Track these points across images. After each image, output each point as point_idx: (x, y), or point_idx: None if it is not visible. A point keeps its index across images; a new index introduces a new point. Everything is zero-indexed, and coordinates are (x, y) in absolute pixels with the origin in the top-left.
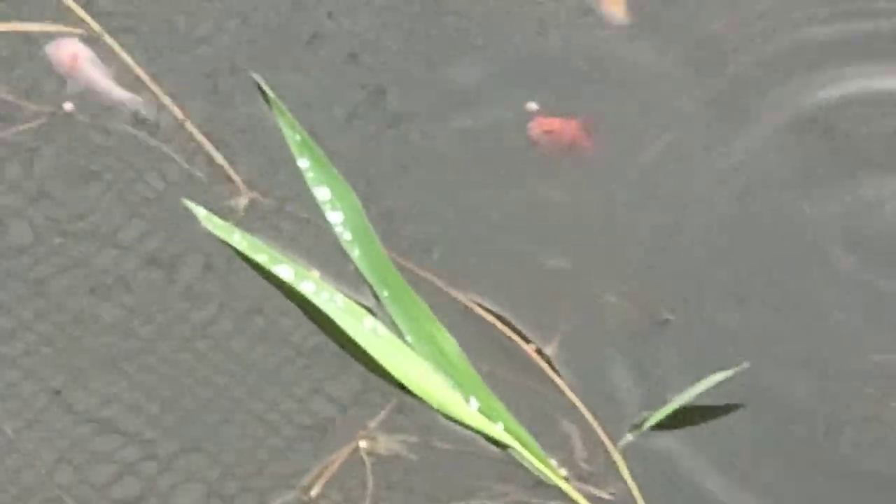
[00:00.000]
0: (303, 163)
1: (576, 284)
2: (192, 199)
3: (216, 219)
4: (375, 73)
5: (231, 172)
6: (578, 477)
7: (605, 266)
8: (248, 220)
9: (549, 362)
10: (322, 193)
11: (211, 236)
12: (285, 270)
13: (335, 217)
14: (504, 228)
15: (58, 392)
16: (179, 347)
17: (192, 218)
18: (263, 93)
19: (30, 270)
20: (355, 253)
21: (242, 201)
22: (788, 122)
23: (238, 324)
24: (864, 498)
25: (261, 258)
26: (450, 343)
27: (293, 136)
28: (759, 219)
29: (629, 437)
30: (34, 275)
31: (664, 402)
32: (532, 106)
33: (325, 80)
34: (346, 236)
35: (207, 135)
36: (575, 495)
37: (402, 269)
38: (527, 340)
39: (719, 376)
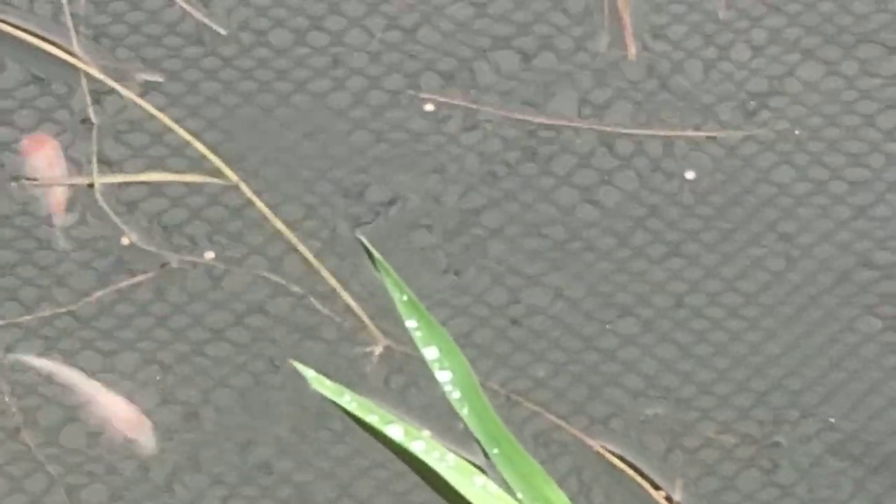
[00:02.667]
0: (411, 323)
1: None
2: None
3: (326, 380)
4: None
5: (366, 320)
6: None
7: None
8: (381, 370)
9: None
10: (430, 353)
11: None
12: (395, 430)
13: (443, 376)
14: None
15: None
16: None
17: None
18: (370, 254)
19: None
20: (464, 411)
21: (377, 349)
22: None
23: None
24: None
25: (371, 419)
26: (561, 500)
27: (400, 297)
28: None
29: None
30: None
31: None
32: None
33: None
34: (454, 395)
35: (342, 282)
36: None
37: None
38: (656, 487)
39: None
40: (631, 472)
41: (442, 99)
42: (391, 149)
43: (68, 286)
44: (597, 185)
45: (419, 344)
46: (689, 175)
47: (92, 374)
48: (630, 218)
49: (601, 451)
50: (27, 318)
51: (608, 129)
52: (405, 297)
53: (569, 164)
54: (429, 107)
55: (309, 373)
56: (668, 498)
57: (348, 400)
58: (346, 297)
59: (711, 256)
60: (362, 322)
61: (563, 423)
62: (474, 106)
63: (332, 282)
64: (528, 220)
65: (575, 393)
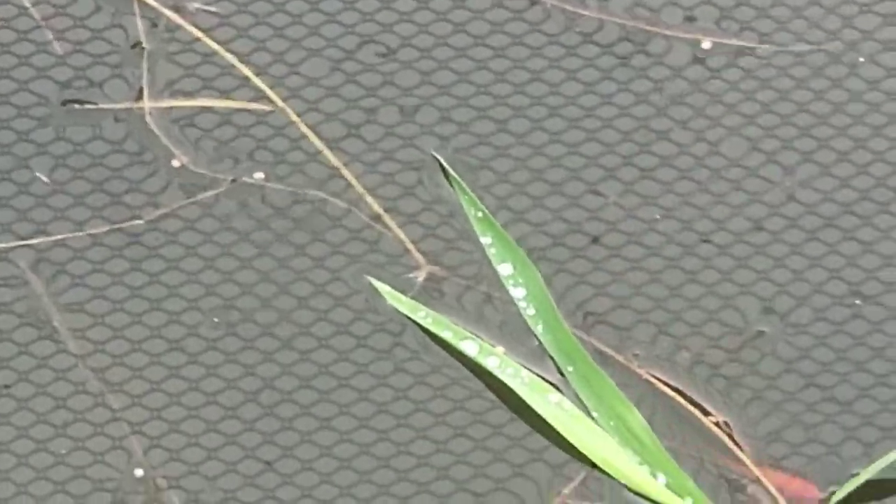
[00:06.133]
0: (485, 239)
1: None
2: (371, 273)
3: (401, 295)
4: None
5: (410, 246)
6: None
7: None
8: (425, 296)
9: (730, 436)
10: (505, 269)
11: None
12: (470, 346)
13: (518, 293)
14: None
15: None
16: (364, 423)
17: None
18: (444, 170)
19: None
20: (539, 328)
21: (421, 275)
22: None
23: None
24: None
25: (446, 334)
26: (636, 418)
27: (475, 213)
28: None
29: None
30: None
31: (846, 475)
32: None
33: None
34: (529, 311)
35: (388, 209)
36: None
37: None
38: (706, 413)
39: None
40: (682, 399)
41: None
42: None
43: (124, 204)
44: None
45: (494, 261)
46: None
47: (138, 288)
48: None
49: (652, 380)
50: (79, 234)
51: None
52: (479, 214)
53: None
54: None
55: (384, 288)
56: (717, 423)
57: (424, 315)
58: (389, 221)
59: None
60: (406, 247)
61: (611, 352)
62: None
63: (376, 206)
64: (603, 138)
65: (626, 320)
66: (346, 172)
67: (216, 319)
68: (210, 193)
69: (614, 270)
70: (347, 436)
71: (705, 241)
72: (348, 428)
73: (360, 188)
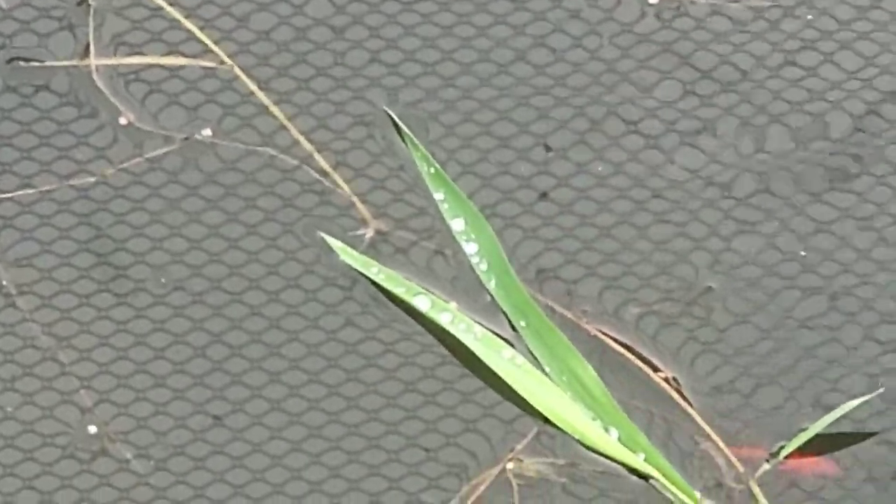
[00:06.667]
0: (438, 195)
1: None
2: (319, 229)
3: (353, 251)
4: None
5: (358, 202)
6: None
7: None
8: (373, 251)
9: (679, 391)
10: (457, 225)
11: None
12: (423, 301)
13: (470, 248)
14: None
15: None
16: (314, 378)
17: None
18: (398, 127)
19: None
20: (491, 283)
21: (370, 231)
22: None
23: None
24: None
25: (399, 290)
26: (588, 373)
27: (427, 169)
28: None
29: (766, 465)
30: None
31: (795, 429)
32: None
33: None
34: (481, 267)
35: (335, 166)
36: None
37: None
38: (655, 369)
39: (855, 402)
40: (631, 355)
41: None
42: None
43: (73, 159)
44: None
45: (446, 216)
46: None
47: (85, 242)
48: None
49: (601, 336)
50: (29, 191)
51: None
52: (432, 170)
53: None
54: None
55: (336, 243)
56: (666, 379)
57: (376, 271)
58: (338, 177)
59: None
60: (354, 202)
61: (560, 309)
62: None
63: (323, 162)
64: (560, 94)
65: (576, 276)
66: (292, 128)
67: (163, 280)
68: (161, 151)
69: (564, 226)
70: (297, 390)
71: (657, 197)
72: (298, 382)
73: (307, 145)
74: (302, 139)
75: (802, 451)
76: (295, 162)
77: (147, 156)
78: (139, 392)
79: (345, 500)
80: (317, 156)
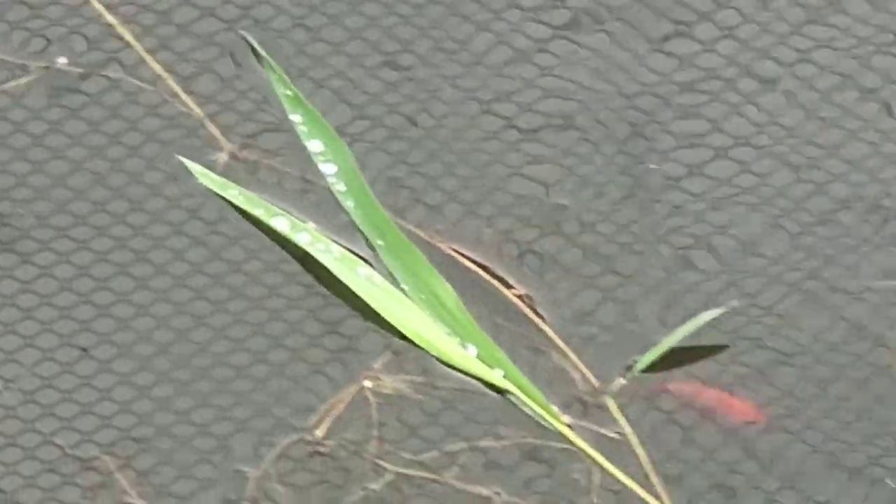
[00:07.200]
0: (295, 117)
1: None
2: (170, 152)
3: (212, 174)
4: None
5: (210, 126)
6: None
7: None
8: (230, 174)
9: (533, 308)
10: (315, 146)
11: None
12: (281, 223)
13: (328, 169)
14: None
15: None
16: (169, 292)
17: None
18: (253, 49)
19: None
20: (349, 204)
21: (222, 156)
22: None
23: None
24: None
25: (258, 212)
26: (446, 291)
27: (284, 92)
28: None
29: (621, 380)
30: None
31: (649, 343)
32: None
33: None
34: (339, 187)
35: (187, 90)
36: (576, 440)
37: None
38: (509, 287)
39: (709, 315)
40: (484, 273)
41: None
42: None
43: None
44: None
45: (303, 138)
46: None
47: None
48: None
49: (455, 255)
50: None
51: None
52: (289, 92)
53: None
54: None
55: (195, 167)
56: (520, 296)
57: (235, 194)
58: (190, 100)
59: None
60: (207, 125)
61: (413, 228)
62: None
63: (173, 84)
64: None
65: (437, 200)
66: (141, 50)
67: (21, 211)
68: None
69: (428, 148)
70: (165, 322)
71: (512, 127)
72: (166, 314)
73: (156, 65)
74: (150, 59)
75: (657, 365)
76: (144, 84)
77: (3, 87)
78: (7, 325)
79: (214, 429)
80: (167, 77)
